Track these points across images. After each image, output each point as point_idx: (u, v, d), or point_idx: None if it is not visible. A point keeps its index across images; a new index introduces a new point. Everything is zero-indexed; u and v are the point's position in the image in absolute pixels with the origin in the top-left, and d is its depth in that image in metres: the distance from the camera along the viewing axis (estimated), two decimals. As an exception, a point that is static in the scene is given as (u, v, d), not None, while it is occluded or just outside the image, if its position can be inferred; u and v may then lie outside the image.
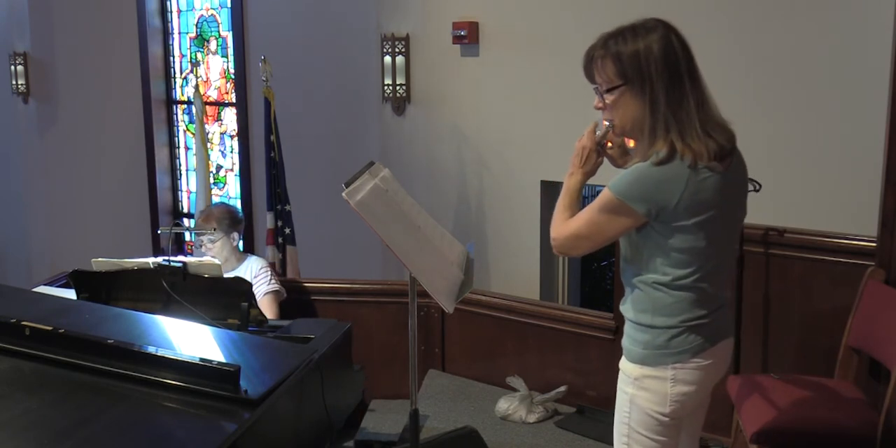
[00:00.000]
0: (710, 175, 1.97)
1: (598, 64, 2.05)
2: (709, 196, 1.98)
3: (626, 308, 2.16)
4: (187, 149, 7.49)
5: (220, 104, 7.12)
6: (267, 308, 3.89)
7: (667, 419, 2.10)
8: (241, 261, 4.00)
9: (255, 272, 3.95)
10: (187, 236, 7.35)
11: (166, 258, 3.17)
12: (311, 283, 4.35)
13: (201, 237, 3.94)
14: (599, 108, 2.10)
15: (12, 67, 7.34)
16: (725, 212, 2.04)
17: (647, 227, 2.05)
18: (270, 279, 3.97)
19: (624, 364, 2.16)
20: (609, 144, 2.19)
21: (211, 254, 3.90)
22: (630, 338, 2.14)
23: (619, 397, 2.17)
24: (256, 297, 3.87)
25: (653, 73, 1.97)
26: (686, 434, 2.22)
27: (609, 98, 2.04)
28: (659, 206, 1.98)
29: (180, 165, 7.59)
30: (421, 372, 4.14)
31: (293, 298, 4.12)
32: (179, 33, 7.36)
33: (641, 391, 2.10)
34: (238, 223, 4.06)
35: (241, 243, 4.14)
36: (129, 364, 2.15)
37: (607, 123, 2.10)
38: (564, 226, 2.13)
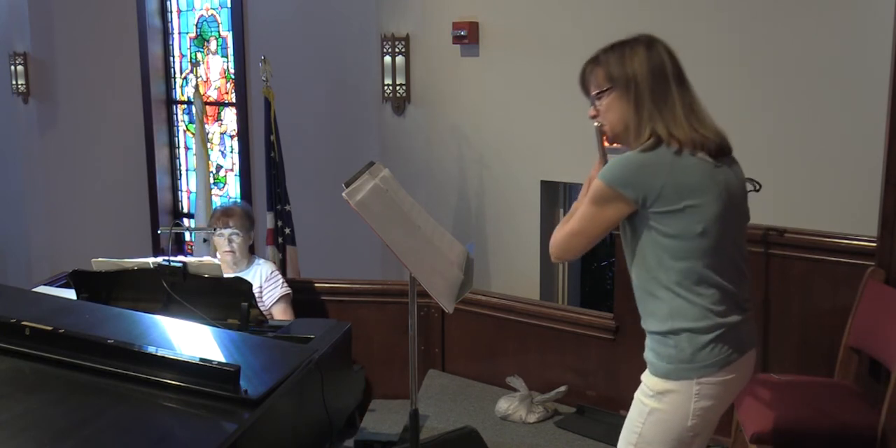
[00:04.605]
0: (697, 161, 2.03)
1: (590, 75, 2.17)
2: (698, 180, 2.02)
3: (646, 321, 2.16)
4: (187, 149, 7.50)
5: (220, 104, 7.12)
6: (282, 312, 3.89)
7: (689, 434, 2.10)
8: (250, 263, 3.99)
9: (267, 276, 3.95)
10: (187, 236, 7.35)
11: (166, 258, 3.17)
12: (311, 283, 4.35)
13: (223, 231, 3.88)
14: (593, 117, 2.19)
15: (12, 67, 7.34)
16: (724, 205, 2.05)
17: (638, 218, 2.07)
18: (282, 282, 3.98)
19: (646, 377, 2.15)
20: None
21: (228, 247, 3.88)
22: (653, 351, 2.13)
23: (635, 406, 2.16)
24: (270, 300, 3.87)
25: (637, 75, 2.07)
26: (696, 446, 2.20)
27: (600, 103, 2.15)
28: (645, 191, 2.02)
29: (180, 165, 7.59)
30: (421, 372, 4.14)
31: (293, 298, 4.12)
32: (179, 33, 7.36)
33: (663, 405, 2.09)
34: (253, 224, 4.07)
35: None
36: (129, 364, 2.15)
37: (597, 124, 2.18)
38: (559, 230, 2.19)
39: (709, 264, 2.05)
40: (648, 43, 2.11)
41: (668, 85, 2.07)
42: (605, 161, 2.23)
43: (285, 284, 3.98)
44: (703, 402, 2.07)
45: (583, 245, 2.16)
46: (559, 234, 2.18)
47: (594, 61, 2.16)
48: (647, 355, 2.16)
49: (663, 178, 2.00)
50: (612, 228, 2.13)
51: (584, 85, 2.19)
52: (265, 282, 3.91)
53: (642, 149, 2.04)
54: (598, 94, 2.14)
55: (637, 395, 2.17)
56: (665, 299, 2.08)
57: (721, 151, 2.07)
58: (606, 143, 2.23)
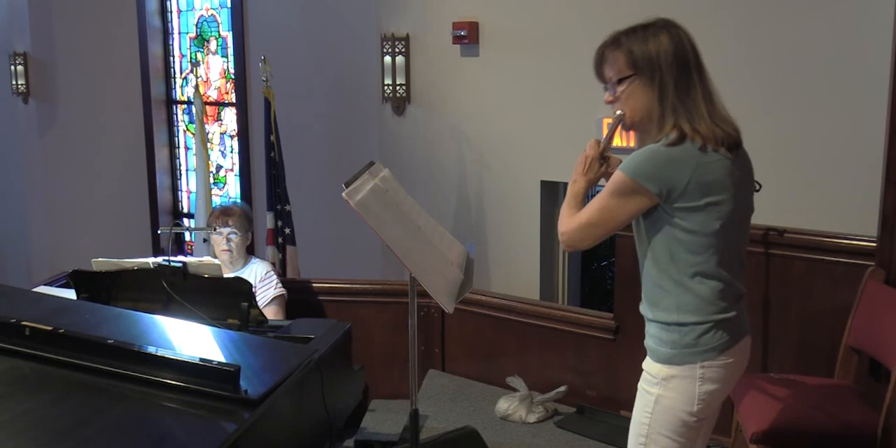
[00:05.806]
0: (720, 158, 2.02)
1: (609, 58, 2.11)
2: (719, 178, 2.02)
3: (647, 308, 2.16)
4: (187, 149, 7.50)
5: (220, 104, 7.12)
6: (274, 314, 3.89)
7: (693, 419, 2.10)
8: (246, 263, 4.00)
9: (261, 276, 3.95)
10: (187, 236, 7.36)
11: (166, 258, 3.17)
12: (311, 283, 4.35)
13: (222, 229, 3.91)
14: (609, 102, 2.15)
15: (12, 67, 7.35)
16: (737, 201, 2.06)
17: (657, 212, 2.06)
18: (277, 283, 3.97)
19: (649, 365, 2.14)
20: (609, 158, 2.24)
21: (226, 246, 3.89)
22: (655, 338, 2.13)
23: (640, 397, 2.16)
24: (263, 301, 3.88)
25: (662, 64, 2.04)
26: (701, 438, 2.20)
27: (620, 89, 2.10)
28: (669, 186, 2.00)
29: (180, 165, 7.59)
30: (421, 372, 4.14)
31: (293, 298, 4.12)
32: (179, 33, 7.36)
33: (668, 391, 2.10)
34: (252, 225, 4.07)
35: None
36: (129, 364, 2.15)
37: (619, 112, 2.13)
38: (573, 219, 2.14)
39: (719, 260, 2.06)
40: (669, 28, 2.08)
41: (691, 75, 2.05)
42: (608, 148, 2.21)
43: (280, 285, 3.97)
44: (708, 385, 2.08)
45: (598, 236, 2.14)
46: (573, 224, 2.13)
47: (614, 44, 2.10)
48: (649, 342, 2.16)
49: (689, 175, 1.99)
50: (629, 221, 2.11)
51: (600, 68, 2.14)
52: (259, 282, 3.91)
53: (668, 143, 2.01)
54: (619, 80, 2.09)
55: (640, 385, 2.16)
56: (673, 293, 2.08)
57: (737, 146, 2.08)
58: (616, 139, 2.21)
